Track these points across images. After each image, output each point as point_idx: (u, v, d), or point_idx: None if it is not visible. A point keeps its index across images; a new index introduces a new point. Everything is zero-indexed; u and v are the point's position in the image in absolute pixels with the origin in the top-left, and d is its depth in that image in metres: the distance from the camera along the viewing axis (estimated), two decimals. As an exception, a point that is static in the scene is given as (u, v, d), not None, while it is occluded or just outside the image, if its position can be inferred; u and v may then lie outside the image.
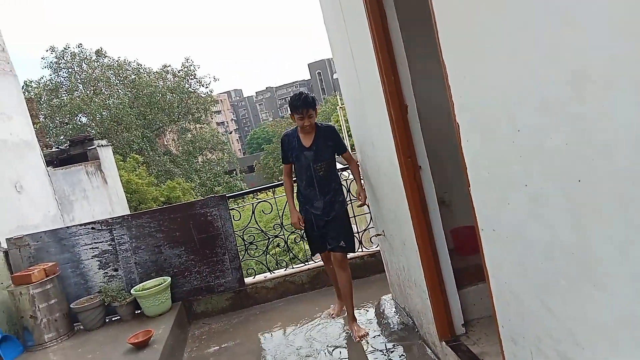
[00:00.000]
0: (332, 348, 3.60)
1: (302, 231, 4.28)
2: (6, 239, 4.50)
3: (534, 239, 1.58)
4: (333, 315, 4.11)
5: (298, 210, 3.92)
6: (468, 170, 1.94)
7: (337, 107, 23.48)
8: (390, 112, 2.72)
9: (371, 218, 4.47)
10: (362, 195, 3.83)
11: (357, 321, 3.80)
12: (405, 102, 2.72)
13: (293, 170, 3.91)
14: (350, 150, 3.91)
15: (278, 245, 5.44)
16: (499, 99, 1.61)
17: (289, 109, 3.76)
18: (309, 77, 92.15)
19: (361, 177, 3.91)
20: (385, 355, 3.35)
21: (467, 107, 1.84)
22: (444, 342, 2.87)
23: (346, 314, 3.85)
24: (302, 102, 3.59)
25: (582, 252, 1.36)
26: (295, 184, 3.99)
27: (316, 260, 5.10)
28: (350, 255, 4.88)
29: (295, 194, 3.96)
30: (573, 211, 1.36)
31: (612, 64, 1.09)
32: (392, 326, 3.64)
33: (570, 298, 1.47)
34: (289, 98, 3.83)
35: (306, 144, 3.72)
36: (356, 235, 5.00)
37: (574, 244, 1.38)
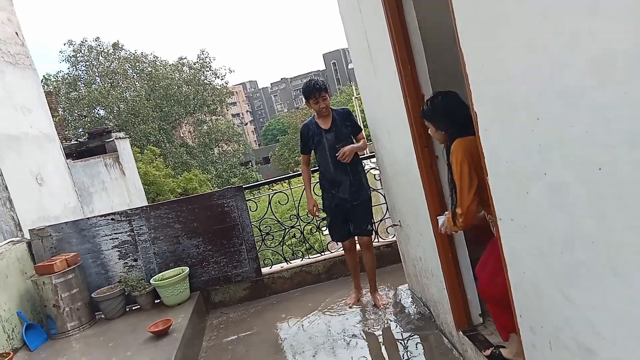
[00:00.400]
0: (349, 337, 3.62)
1: (319, 220, 4.33)
2: (29, 230, 4.60)
3: (554, 228, 1.57)
4: (350, 305, 4.14)
5: (321, 196, 4.10)
6: (486, 160, 1.92)
7: (353, 97, 23.38)
8: (407, 102, 2.71)
9: (387, 208, 4.47)
10: (345, 150, 3.81)
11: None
12: (422, 91, 2.70)
13: (311, 160, 4.06)
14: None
15: (294, 236, 5.47)
16: (518, 87, 1.59)
17: (303, 100, 3.94)
18: (324, 68, 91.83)
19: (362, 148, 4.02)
20: (402, 344, 3.36)
21: (485, 96, 1.82)
22: (460, 332, 2.87)
23: (370, 290, 4.12)
24: (314, 87, 3.82)
25: (602, 242, 1.35)
26: (313, 175, 4.16)
27: (332, 251, 5.12)
28: (366, 245, 4.91)
29: (315, 183, 4.13)
30: (594, 200, 1.34)
31: (635, 50, 1.07)
32: (408, 316, 3.65)
33: (591, 287, 1.46)
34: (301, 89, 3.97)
35: (325, 127, 3.89)
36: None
37: (595, 233, 1.37)
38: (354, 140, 3.94)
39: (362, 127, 4.04)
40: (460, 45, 1.89)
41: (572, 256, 1.52)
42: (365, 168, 4.90)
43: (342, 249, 5.02)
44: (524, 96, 1.56)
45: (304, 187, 4.23)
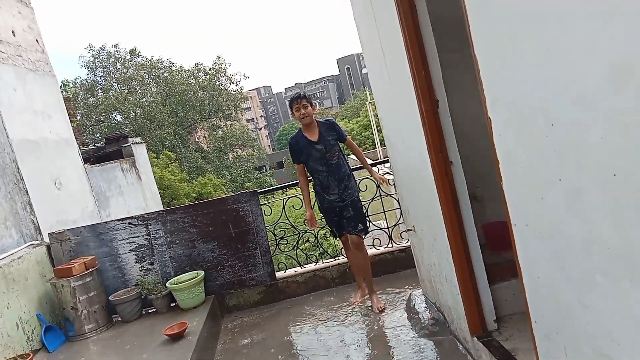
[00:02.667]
0: (363, 342, 3.62)
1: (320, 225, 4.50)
2: (48, 233, 4.68)
3: (570, 234, 1.57)
4: (353, 303, 4.30)
5: (316, 198, 4.31)
6: (501, 165, 1.92)
7: (367, 102, 23.38)
8: (421, 106, 2.71)
9: (401, 213, 4.46)
10: (381, 178, 4.39)
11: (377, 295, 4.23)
12: (436, 96, 2.71)
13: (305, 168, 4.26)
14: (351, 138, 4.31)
15: (308, 240, 5.48)
16: (533, 92, 1.59)
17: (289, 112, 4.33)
18: (338, 72, 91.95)
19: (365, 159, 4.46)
20: (415, 349, 3.35)
21: (499, 101, 1.83)
22: (475, 338, 2.85)
23: (367, 295, 4.27)
24: (295, 95, 4.14)
25: (620, 247, 1.34)
26: (310, 183, 4.34)
27: (346, 255, 5.12)
28: (380, 250, 4.92)
29: (311, 191, 4.33)
30: (611, 206, 1.34)
31: (651, 55, 1.07)
32: (422, 321, 3.64)
33: (608, 294, 1.45)
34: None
35: (314, 139, 4.09)
36: (386, 230, 5.03)
37: (612, 239, 1.36)
38: (341, 148, 4.19)
39: (345, 134, 4.25)
40: (474, 50, 1.89)
41: (588, 262, 1.51)
42: (378, 172, 4.90)
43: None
44: (539, 101, 1.56)
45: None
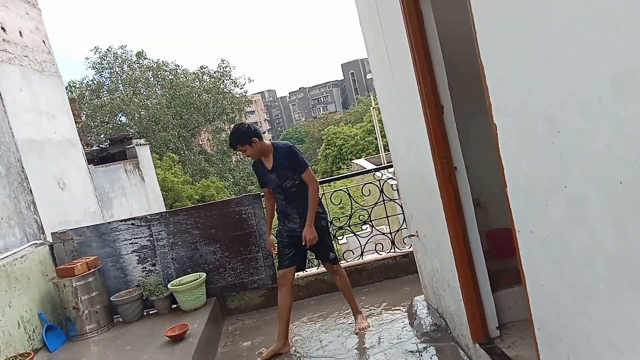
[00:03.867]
0: (364, 348, 3.61)
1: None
2: (51, 233, 4.70)
3: (573, 241, 1.56)
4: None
5: (276, 227, 3.98)
6: (505, 172, 1.92)
7: (371, 107, 23.41)
8: (426, 112, 2.72)
9: (404, 218, 4.46)
10: (308, 235, 3.66)
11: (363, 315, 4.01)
12: (441, 102, 2.71)
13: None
14: (311, 169, 3.76)
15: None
16: (538, 100, 1.59)
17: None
18: (342, 77, 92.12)
19: (316, 206, 3.73)
20: (417, 356, 3.34)
21: (505, 108, 1.83)
22: (477, 345, 2.85)
23: (352, 312, 4.03)
24: (229, 143, 3.81)
25: (623, 256, 1.34)
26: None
27: (348, 260, 5.12)
28: (383, 255, 4.91)
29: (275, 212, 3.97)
30: (614, 214, 1.34)
31: (657, 64, 1.08)
32: (424, 327, 3.62)
33: (610, 302, 1.45)
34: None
35: (268, 166, 3.76)
36: (388, 235, 5.03)
37: (615, 247, 1.36)
38: (297, 180, 3.70)
39: (306, 164, 3.73)
40: (480, 57, 1.90)
41: (591, 270, 1.51)
42: (382, 178, 4.91)
43: (357, 257, 5.04)
44: (545, 109, 1.56)
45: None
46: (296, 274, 4.01)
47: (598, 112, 1.30)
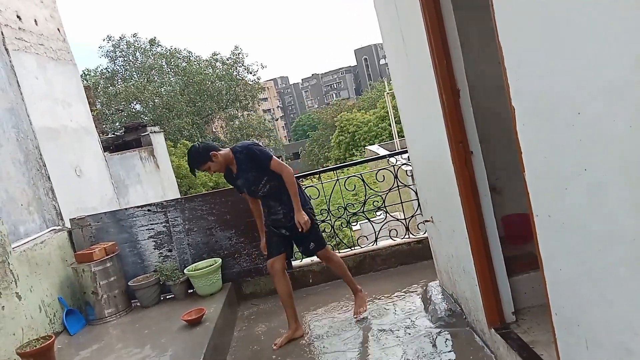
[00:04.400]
0: (379, 332, 3.63)
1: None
2: (70, 219, 4.77)
3: (593, 225, 1.55)
4: (276, 347, 3.72)
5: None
6: (523, 156, 1.90)
7: (384, 93, 23.23)
8: (442, 96, 2.69)
9: (418, 204, 4.44)
10: (300, 219, 3.60)
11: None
12: (458, 86, 2.68)
13: None
14: (276, 158, 3.63)
15: (324, 231, 5.50)
16: (558, 82, 1.57)
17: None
18: (355, 63, 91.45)
19: (296, 190, 3.63)
20: (431, 341, 3.35)
21: (524, 91, 1.80)
22: (493, 330, 2.84)
23: (353, 293, 4.03)
24: (189, 169, 3.65)
25: (644, 240, 1.32)
26: None
27: (362, 246, 5.13)
28: (397, 241, 4.91)
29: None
30: (635, 197, 1.32)
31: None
32: (439, 312, 3.63)
33: (630, 287, 1.44)
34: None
35: (235, 172, 3.69)
36: (403, 221, 5.01)
37: (636, 231, 1.34)
38: (266, 180, 3.62)
39: (269, 155, 3.59)
40: (499, 39, 1.87)
41: (611, 254, 1.49)
42: (396, 164, 4.88)
43: (371, 243, 5.05)
44: (564, 91, 1.54)
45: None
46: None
47: (620, 93, 1.28)
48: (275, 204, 3.72)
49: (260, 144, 3.87)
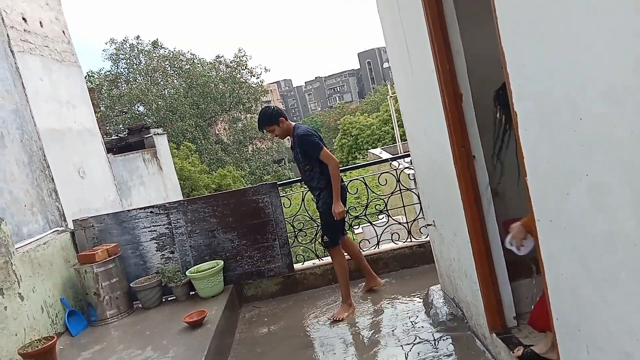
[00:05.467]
0: (379, 336, 3.63)
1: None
2: (73, 220, 4.79)
3: (595, 230, 1.54)
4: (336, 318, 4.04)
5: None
6: (526, 160, 1.90)
7: (387, 97, 23.25)
8: (445, 100, 2.70)
9: (421, 208, 4.44)
10: (337, 210, 3.96)
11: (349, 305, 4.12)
12: (460, 90, 2.68)
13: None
14: (326, 149, 4.01)
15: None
16: (560, 86, 1.57)
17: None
18: (359, 67, 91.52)
19: (338, 182, 4.01)
20: (433, 345, 3.34)
21: (526, 95, 1.81)
22: (494, 334, 2.84)
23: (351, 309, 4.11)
24: (257, 125, 4.18)
25: (646, 244, 1.32)
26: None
27: (364, 249, 5.12)
28: (399, 244, 4.91)
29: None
30: (637, 202, 1.32)
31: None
32: (440, 316, 3.62)
33: (632, 292, 1.43)
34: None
35: (291, 144, 4.20)
36: (405, 225, 5.01)
37: (638, 236, 1.34)
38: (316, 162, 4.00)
39: (319, 146, 3.97)
40: (501, 42, 1.87)
41: (612, 258, 1.49)
42: (399, 167, 4.88)
43: (373, 246, 5.05)
44: (566, 95, 1.54)
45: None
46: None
47: (621, 97, 1.28)
48: (313, 186, 4.13)
49: (316, 133, 4.20)
